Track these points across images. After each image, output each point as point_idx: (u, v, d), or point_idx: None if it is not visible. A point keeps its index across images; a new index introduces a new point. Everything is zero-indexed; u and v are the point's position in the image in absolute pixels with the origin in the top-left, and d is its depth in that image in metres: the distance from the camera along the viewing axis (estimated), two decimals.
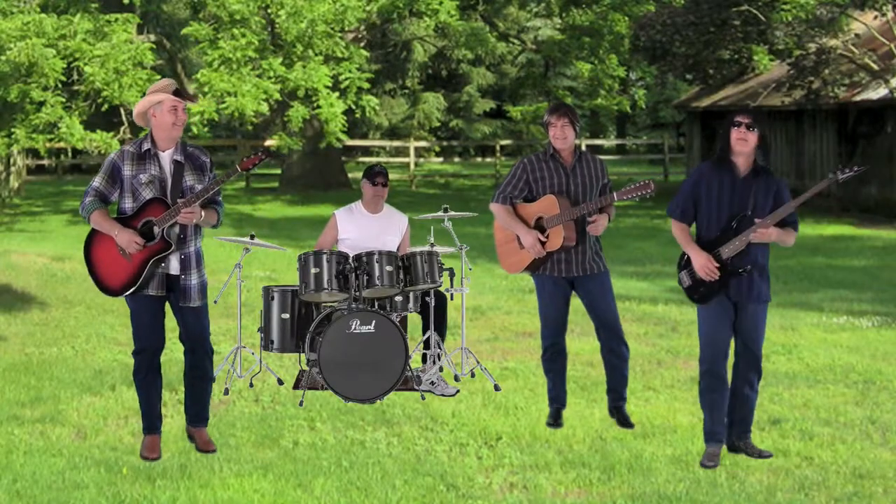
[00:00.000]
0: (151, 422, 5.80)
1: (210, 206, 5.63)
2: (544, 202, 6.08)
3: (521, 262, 6.21)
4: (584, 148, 31.23)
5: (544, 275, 6.14)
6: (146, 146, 5.56)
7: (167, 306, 5.69)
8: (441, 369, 7.18)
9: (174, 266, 5.57)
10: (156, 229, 5.47)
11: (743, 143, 5.40)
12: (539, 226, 6.10)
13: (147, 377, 5.69)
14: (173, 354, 5.82)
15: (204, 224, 5.62)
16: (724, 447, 5.72)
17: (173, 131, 5.53)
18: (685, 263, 5.60)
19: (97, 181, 5.56)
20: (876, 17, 19.35)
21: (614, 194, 5.96)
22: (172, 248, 5.49)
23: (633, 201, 5.91)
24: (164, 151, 5.57)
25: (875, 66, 19.14)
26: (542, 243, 6.06)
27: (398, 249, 7.18)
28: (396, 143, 31.79)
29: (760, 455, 5.67)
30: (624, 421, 6.28)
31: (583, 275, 6.09)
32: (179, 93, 5.55)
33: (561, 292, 6.15)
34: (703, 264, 5.47)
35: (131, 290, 5.49)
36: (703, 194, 5.54)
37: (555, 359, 6.28)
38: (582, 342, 8.39)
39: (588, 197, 6.05)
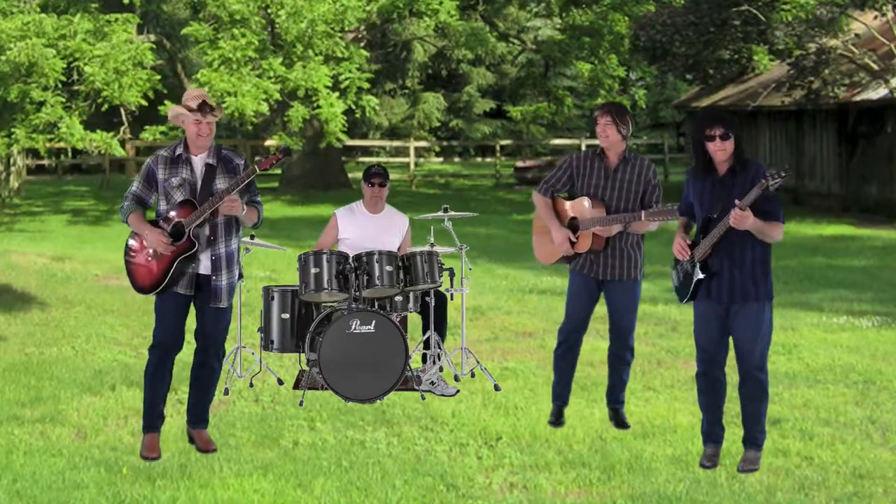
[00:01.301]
0: (152, 420, 5.80)
1: (251, 204, 5.71)
2: (579, 203, 6.08)
3: (553, 255, 6.24)
4: (583, 147, 31.28)
5: (577, 270, 6.15)
6: (179, 150, 5.70)
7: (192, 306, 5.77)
8: (441, 369, 7.18)
9: (205, 266, 5.65)
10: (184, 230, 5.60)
11: (722, 153, 5.40)
12: (573, 225, 6.11)
13: (157, 373, 5.72)
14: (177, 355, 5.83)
15: (246, 221, 5.70)
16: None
17: (198, 141, 5.67)
18: (675, 263, 5.63)
19: (135, 185, 5.76)
20: (876, 17, 19.34)
21: (642, 213, 5.87)
22: (197, 247, 5.57)
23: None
24: (196, 155, 5.68)
25: (875, 66, 19.13)
26: (572, 243, 6.06)
27: (399, 250, 7.18)
28: (396, 143, 31.79)
29: (742, 467, 5.58)
30: (620, 423, 6.30)
31: (612, 279, 6.09)
32: (202, 108, 5.60)
33: (587, 290, 6.14)
34: (676, 243, 5.54)
35: (160, 289, 5.61)
36: (693, 200, 5.58)
37: (565, 355, 6.27)
38: (586, 343, 8.37)
39: (626, 200, 6.00)
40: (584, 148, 32.79)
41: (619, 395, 6.33)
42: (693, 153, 5.53)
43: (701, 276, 5.44)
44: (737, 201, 5.23)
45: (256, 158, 5.77)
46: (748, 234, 5.35)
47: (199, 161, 5.67)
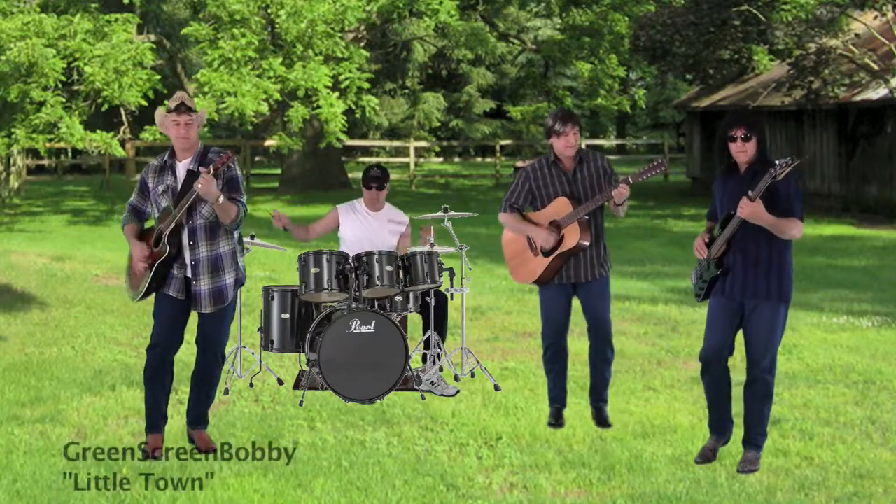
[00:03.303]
0: (155, 421, 5.81)
1: (232, 200, 5.58)
2: (556, 204, 6.07)
3: (532, 273, 6.19)
4: (583, 148, 31.23)
5: (550, 283, 6.15)
6: (165, 158, 5.72)
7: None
8: (441, 369, 7.18)
9: (189, 271, 5.65)
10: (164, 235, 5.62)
11: (743, 154, 5.43)
12: (554, 227, 6.09)
13: (155, 374, 5.73)
14: (177, 356, 5.83)
15: (222, 213, 5.54)
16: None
17: (177, 143, 5.66)
18: (697, 263, 5.65)
19: (132, 197, 5.83)
20: (876, 17, 19.34)
21: (629, 177, 5.85)
22: (169, 251, 5.57)
23: (648, 179, 5.89)
24: (181, 161, 5.68)
25: (875, 66, 19.13)
26: (558, 243, 6.03)
27: (398, 247, 7.19)
28: (396, 143, 31.81)
29: (741, 467, 5.58)
30: (602, 421, 6.29)
31: (586, 281, 6.10)
32: (178, 109, 5.60)
33: (564, 295, 6.16)
34: (696, 242, 5.60)
35: (143, 294, 5.66)
36: (718, 199, 5.61)
37: (555, 359, 6.28)
38: (582, 342, 8.34)
39: (593, 197, 6.01)
40: (583, 148, 32.68)
41: (602, 393, 6.33)
42: (718, 152, 5.54)
43: (716, 272, 5.45)
44: (750, 192, 5.23)
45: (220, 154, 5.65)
46: (763, 232, 5.33)
47: (182, 167, 5.67)
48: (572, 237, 6.00)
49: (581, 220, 5.98)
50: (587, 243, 5.99)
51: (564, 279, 6.11)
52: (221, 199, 5.48)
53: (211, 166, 5.47)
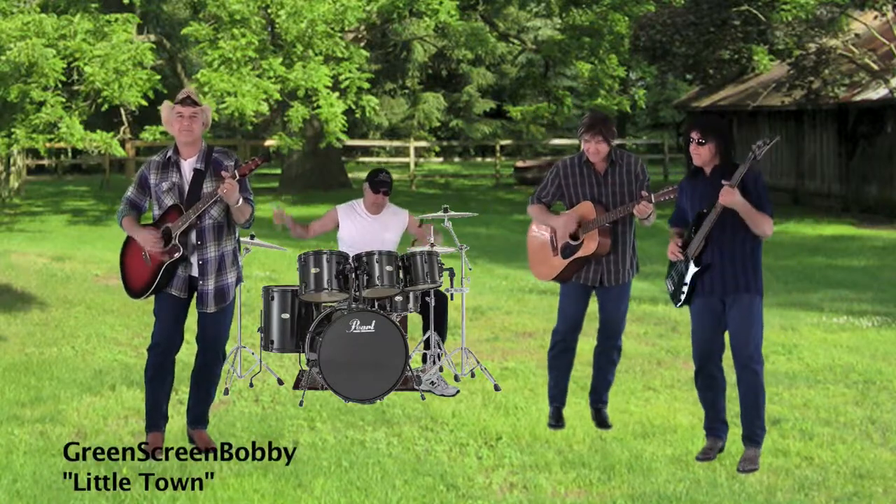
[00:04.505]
0: (155, 420, 5.82)
1: (244, 201, 5.63)
2: (581, 208, 6.05)
3: (551, 270, 6.19)
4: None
5: (571, 281, 6.15)
6: (169, 154, 5.71)
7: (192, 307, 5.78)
8: (441, 369, 7.18)
9: (196, 269, 5.66)
10: (173, 235, 5.61)
11: (697, 157, 5.54)
12: (575, 234, 6.09)
13: (156, 374, 5.75)
14: (178, 355, 5.84)
15: (239, 216, 5.63)
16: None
17: (181, 137, 5.64)
18: (668, 270, 5.69)
19: (129, 191, 5.81)
20: (876, 17, 19.34)
21: (651, 195, 5.80)
22: (182, 252, 5.58)
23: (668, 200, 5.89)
24: (186, 159, 5.68)
25: (875, 66, 19.13)
26: (576, 245, 6.03)
27: (414, 235, 7.28)
28: (396, 143, 31.79)
29: (741, 467, 5.58)
30: (602, 422, 6.30)
31: (607, 285, 6.10)
32: (184, 101, 5.61)
33: (582, 293, 6.15)
34: (669, 248, 5.66)
35: (148, 293, 5.66)
36: (685, 201, 5.69)
37: (561, 356, 6.25)
38: (582, 342, 8.36)
39: (623, 202, 5.96)
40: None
41: (603, 395, 6.33)
42: (685, 153, 5.63)
43: (695, 269, 5.52)
44: (724, 182, 5.34)
45: (248, 160, 5.71)
46: (739, 228, 5.44)
47: (187, 165, 5.67)
48: (590, 244, 5.98)
49: (602, 227, 5.97)
50: (605, 251, 5.99)
51: (583, 280, 6.10)
52: (241, 201, 5.54)
53: (237, 171, 5.50)
